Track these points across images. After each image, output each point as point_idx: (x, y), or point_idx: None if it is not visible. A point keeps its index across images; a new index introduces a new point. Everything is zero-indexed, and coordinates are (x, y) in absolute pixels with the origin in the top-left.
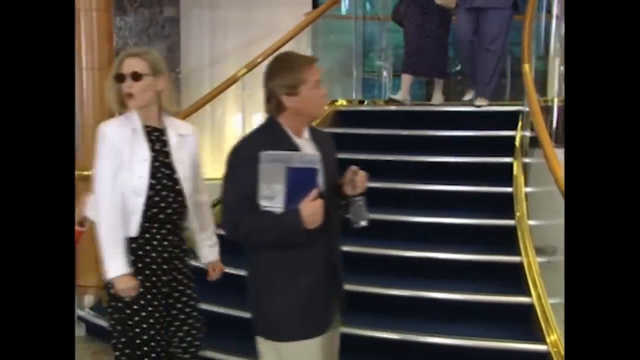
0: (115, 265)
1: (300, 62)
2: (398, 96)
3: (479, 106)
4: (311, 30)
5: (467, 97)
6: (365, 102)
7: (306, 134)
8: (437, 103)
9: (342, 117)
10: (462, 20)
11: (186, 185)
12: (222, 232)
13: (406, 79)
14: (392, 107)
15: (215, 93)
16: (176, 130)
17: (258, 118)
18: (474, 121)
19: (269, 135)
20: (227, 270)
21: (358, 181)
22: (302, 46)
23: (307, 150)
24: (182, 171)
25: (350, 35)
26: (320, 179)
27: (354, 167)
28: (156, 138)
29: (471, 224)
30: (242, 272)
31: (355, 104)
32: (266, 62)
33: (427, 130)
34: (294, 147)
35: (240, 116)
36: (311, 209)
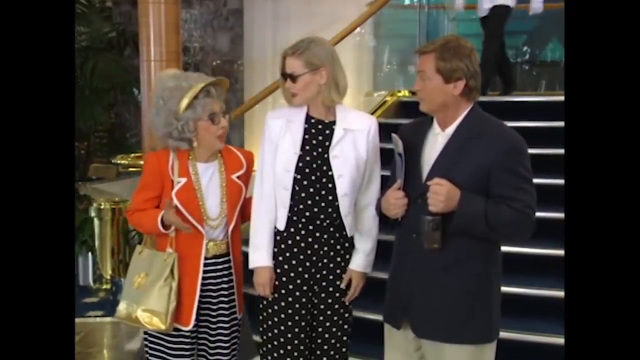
0: (255, 256)
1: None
2: None
3: None
4: (374, 20)
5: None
6: None
7: (452, 128)
8: None
9: (405, 108)
10: None
11: (340, 183)
12: None
13: None
14: None
15: (277, 84)
16: (345, 124)
17: None
18: None
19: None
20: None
21: (429, 197)
22: (365, 37)
23: (431, 145)
24: (337, 168)
25: (413, 24)
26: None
27: (435, 179)
28: (318, 131)
29: None
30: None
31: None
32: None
33: None
34: (420, 139)
35: None
36: (387, 198)
